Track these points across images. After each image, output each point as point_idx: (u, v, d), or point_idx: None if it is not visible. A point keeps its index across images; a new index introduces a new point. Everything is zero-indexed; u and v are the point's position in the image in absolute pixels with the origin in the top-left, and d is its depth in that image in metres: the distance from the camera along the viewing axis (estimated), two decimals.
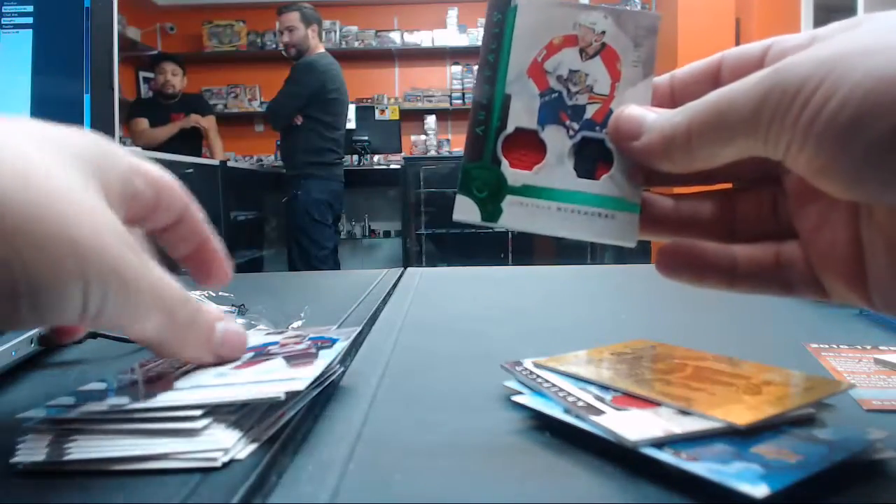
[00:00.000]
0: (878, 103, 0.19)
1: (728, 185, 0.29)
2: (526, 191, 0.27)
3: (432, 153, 5.32)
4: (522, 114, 0.27)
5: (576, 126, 0.27)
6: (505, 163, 0.27)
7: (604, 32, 0.27)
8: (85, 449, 0.24)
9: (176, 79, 3.97)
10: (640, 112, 0.26)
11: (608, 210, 0.27)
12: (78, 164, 0.24)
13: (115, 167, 0.26)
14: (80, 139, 0.26)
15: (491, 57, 0.28)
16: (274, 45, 5.18)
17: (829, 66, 0.20)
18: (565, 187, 0.27)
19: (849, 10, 3.24)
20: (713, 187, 0.29)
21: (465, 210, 0.27)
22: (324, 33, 3.89)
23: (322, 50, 3.25)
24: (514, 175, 0.27)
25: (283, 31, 3.19)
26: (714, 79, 0.27)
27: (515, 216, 0.27)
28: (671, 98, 0.28)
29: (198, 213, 0.31)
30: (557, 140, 0.27)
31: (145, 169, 0.28)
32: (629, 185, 0.27)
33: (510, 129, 0.27)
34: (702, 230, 0.28)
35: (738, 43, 4.04)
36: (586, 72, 0.27)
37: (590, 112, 0.27)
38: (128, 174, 0.27)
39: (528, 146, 0.28)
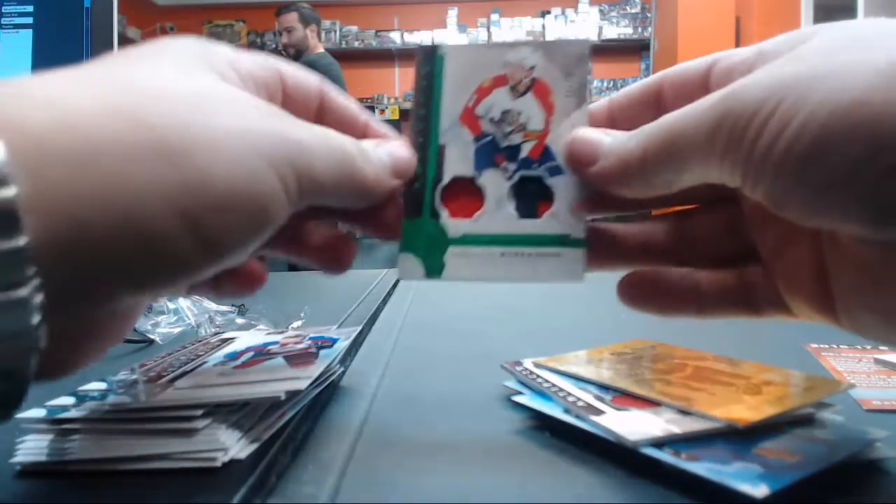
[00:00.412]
0: (835, 133, 0.18)
1: (681, 208, 0.28)
2: (467, 240, 0.27)
3: None
4: (458, 162, 0.27)
5: (513, 167, 0.27)
6: (444, 214, 0.27)
7: (533, 67, 0.27)
8: (85, 449, 0.24)
9: None
10: (596, 136, 0.25)
11: (553, 249, 0.26)
12: (204, 66, 0.22)
13: (224, 56, 0.24)
14: (185, 45, 0.23)
15: (422, 111, 0.27)
16: (274, 45, 5.18)
17: (782, 92, 0.19)
18: (507, 231, 0.26)
19: (849, 10, 3.24)
20: (667, 210, 0.27)
21: (409, 268, 0.27)
22: (323, 33, 3.90)
23: (321, 50, 3.25)
24: (454, 226, 0.27)
25: (282, 32, 3.18)
26: (655, 101, 0.26)
27: (458, 268, 0.27)
28: (611, 124, 0.26)
29: (341, 97, 0.27)
30: (495, 184, 0.27)
31: (250, 57, 0.25)
32: (573, 219, 0.26)
33: (447, 179, 0.27)
34: (657, 257, 0.27)
35: (737, 43, 4.04)
36: (518, 110, 0.27)
37: (525, 150, 0.27)
38: (239, 63, 0.24)
39: (467, 194, 0.27)
